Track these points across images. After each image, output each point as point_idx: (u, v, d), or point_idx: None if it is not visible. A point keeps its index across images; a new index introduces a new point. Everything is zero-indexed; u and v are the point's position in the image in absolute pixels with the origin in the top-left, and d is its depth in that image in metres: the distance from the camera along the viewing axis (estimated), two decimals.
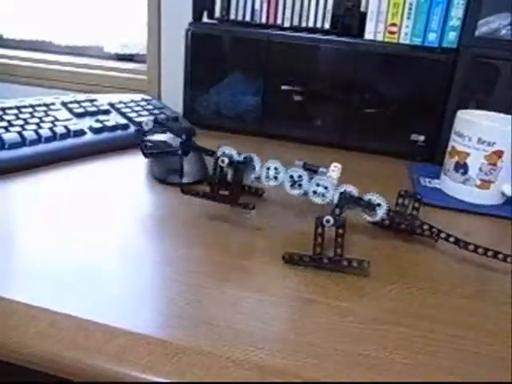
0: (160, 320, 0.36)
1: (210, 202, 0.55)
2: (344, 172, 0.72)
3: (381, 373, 0.32)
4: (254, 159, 0.52)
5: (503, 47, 0.69)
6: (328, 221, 0.43)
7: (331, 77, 0.78)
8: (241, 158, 0.52)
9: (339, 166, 0.51)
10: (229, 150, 0.52)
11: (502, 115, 0.65)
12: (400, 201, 0.51)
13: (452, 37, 0.73)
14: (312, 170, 0.51)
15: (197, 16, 0.83)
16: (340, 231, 0.43)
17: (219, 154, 0.51)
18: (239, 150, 0.53)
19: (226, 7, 0.80)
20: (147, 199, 0.57)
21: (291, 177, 0.50)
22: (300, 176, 0.50)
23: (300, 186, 0.50)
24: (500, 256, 0.46)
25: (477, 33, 0.70)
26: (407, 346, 0.35)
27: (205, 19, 0.84)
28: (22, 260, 0.42)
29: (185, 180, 0.60)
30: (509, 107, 0.67)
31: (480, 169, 0.61)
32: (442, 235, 0.48)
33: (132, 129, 0.75)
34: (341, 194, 0.47)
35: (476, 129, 0.60)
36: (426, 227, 0.48)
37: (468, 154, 0.61)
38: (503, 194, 0.62)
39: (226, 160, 0.50)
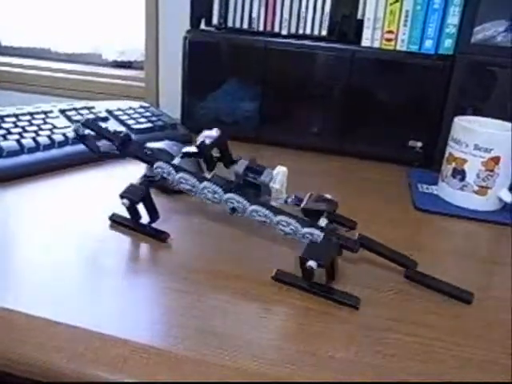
0: (160, 329, 0.36)
1: (211, 210, 0.55)
2: (342, 179, 0.72)
3: (379, 380, 0.32)
4: (192, 181, 0.48)
5: (499, 54, 0.69)
6: (311, 267, 0.39)
7: (328, 83, 0.78)
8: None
9: (283, 170, 0.47)
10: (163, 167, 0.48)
11: (498, 121, 0.66)
12: None
13: (448, 44, 0.73)
14: (256, 172, 0.47)
15: (194, 23, 0.83)
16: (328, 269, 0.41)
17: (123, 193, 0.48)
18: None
19: (224, 15, 0.80)
20: None
21: (228, 204, 0.46)
22: (237, 201, 0.46)
23: (243, 210, 0.46)
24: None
25: (473, 40, 0.70)
26: (405, 354, 0.35)
27: (202, 26, 0.84)
28: (21, 270, 0.41)
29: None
30: (505, 113, 0.67)
31: (477, 175, 0.61)
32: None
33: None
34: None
35: (473, 135, 0.61)
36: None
37: (465, 161, 0.61)
38: (500, 199, 0.62)
39: (127, 202, 0.47)
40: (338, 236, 0.43)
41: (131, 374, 0.32)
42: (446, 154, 0.65)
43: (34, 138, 0.65)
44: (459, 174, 0.62)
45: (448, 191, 0.64)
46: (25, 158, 0.62)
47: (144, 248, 0.47)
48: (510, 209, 0.62)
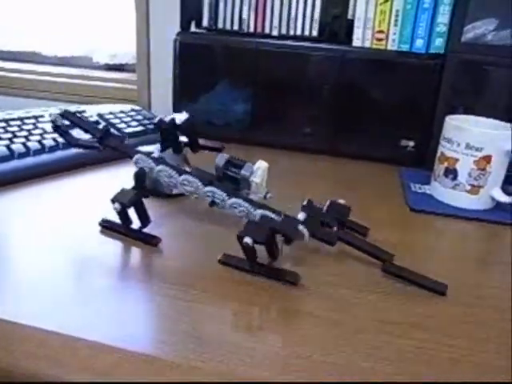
0: (148, 336, 0.35)
1: (204, 214, 0.54)
2: (334, 179, 0.72)
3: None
4: (172, 173, 0.48)
5: (489, 52, 0.70)
6: (247, 243, 0.41)
7: (320, 84, 0.78)
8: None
9: (263, 165, 0.47)
10: (144, 160, 0.48)
11: (489, 120, 0.66)
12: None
13: (439, 43, 0.73)
14: (237, 166, 0.47)
15: (185, 25, 0.83)
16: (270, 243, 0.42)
17: (113, 197, 0.47)
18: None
19: (214, 16, 0.80)
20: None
21: (208, 196, 0.47)
22: (217, 195, 0.46)
23: (222, 203, 0.46)
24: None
25: (463, 38, 0.70)
26: (398, 356, 0.35)
27: (193, 28, 0.84)
28: (9, 277, 0.41)
29: (175, 191, 0.60)
30: (497, 112, 0.67)
31: (469, 174, 0.61)
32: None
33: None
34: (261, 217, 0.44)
35: (464, 134, 0.61)
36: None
37: (457, 160, 0.61)
38: (493, 198, 0.62)
39: (119, 207, 0.46)
40: (316, 228, 0.43)
41: (119, 381, 0.31)
42: (438, 154, 0.65)
43: (24, 144, 0.65)
44: (451, 173, 0.62)
45: (440, 190, 0.64)
46: (15, 164, 0.62)
47: (135, 253, 0.47)
48: (502, 208, 0.62)
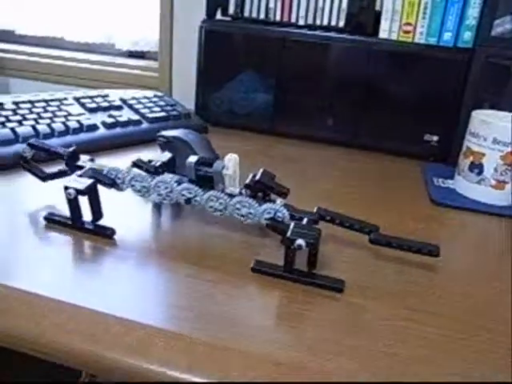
0: (177, 314, 0.35)
1: None
2: (357, 172, 0.72)
3: (399, 369, 0.32)
4: (142, 180, 0.46)
5: None
6: (300, 246, 0.39)
7: (345, 75, 0.78)
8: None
9: (234, 157, 0.46)
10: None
11: None
12: None
13: (467, 36, 0.72)
14: (207, 164, 0.46)
15: (210, 13, 0.83)
16: (313, 251, 0.41)
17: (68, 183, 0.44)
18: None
19: (240, 4, 0.79)
20: None
21: (183, 195, 0.45)
22: (191, 191, 0.45)
23: (196, 201, 0.45)
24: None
25: (492, 33, 0.69)
26: (427, 343, 0.35)
27: (218, 16, 0.83)
28: (41, 255, 0.41)
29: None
30: None
31: (495, 169, 0.60)
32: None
33: (145, 124, 0.75)
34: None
35: (491, 129, 0.60)
36: None
37: (483, 155, 0.61)
38: None
39: (73, 193, 0.44)
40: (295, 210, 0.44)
41: (148, 357, 0.31)
42: (464, 148, 0.64)
43: (49, 125, 0.65)
44: (476, 168, 0.62)
45: (465, 185, 0.63)
46: None
47: (158, 234, 0.47)
48: None
